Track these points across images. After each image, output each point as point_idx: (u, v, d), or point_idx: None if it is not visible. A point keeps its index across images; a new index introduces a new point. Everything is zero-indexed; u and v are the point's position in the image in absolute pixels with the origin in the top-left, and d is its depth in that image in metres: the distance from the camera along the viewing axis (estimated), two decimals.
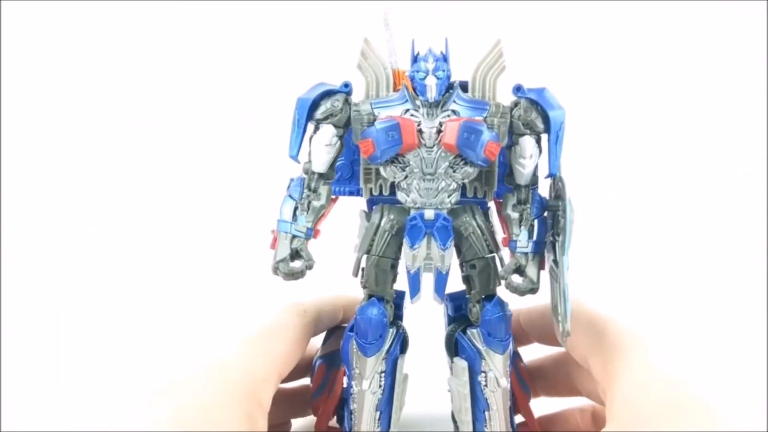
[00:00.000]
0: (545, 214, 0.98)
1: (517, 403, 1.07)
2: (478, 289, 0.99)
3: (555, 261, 0.94)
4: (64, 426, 1.16)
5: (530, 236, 0.96)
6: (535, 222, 0.97)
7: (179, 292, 1.69)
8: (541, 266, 0.96)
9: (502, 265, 1.00)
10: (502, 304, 0.98)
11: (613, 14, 2.04)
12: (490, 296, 0.99)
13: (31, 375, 1.34)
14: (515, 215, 0.97)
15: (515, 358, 1.07)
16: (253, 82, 2.00)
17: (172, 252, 1.86)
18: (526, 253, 0.96)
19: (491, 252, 0.99)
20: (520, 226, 0.97)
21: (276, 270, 0.95)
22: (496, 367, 0.99)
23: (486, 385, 1.00)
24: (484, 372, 0.99)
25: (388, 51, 0.99)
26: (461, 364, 1.01)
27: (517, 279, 0.95)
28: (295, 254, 0.96)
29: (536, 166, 0.98)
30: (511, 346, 1.00)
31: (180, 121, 2.05)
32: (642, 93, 2.08)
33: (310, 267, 0.95)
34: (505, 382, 1.00)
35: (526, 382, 1.08)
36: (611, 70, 2.05)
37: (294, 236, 0.96)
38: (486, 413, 1.01)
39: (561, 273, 0.91)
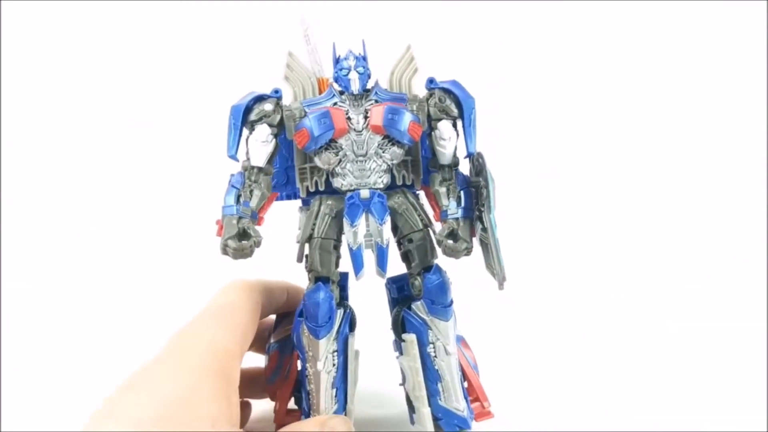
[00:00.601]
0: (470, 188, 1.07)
1: (469, 382, 1.13)
2: (417, 262, 1.05)
3: (483, 228, 1.02)
4: (63, 425, 1.18)
5: (459, 204, 1.05)
6: (461, 193, 1.06)
7: (145, 283, 1.75)
8: (471, 232, 1.03)
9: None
10: (441, 272, 1.05)
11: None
12: (429, 267, 1.06)
13: (29, 373, 1.37)
14: (443, 189, 1.06)
15: (459, 340, 1.14)
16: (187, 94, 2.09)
17: (135, 246, 1.92)
18: (456, 218, 1.04)
19: (425, 226, 1.06)
20: (448, 198, 1.05)
21: (225, 248, 0.99)
22: (442, 334, 1.05)
23: (436, 356, 1.06)
24: (432, 342, 1.06)
25: (311, 63, 1.08)
26: (410, 338, 1.07)
27: (451, 242, 1.02)
28: (243, 234, 1.00)
29: (455, 148, 1.07)
30: (454, 317, 1.06)
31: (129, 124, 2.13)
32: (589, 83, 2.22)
33: (258, 244, 1.00)
34: (454, 348, 1.06)
35: (474, 362, 1.15)
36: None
37: (240, 217, 1.01)
38: (439, 384, 1.07)
39: (490, 233, 0.99)
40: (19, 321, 1.56)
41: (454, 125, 1.07)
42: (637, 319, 1.62)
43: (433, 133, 1.07)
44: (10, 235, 1.94)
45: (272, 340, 1.14)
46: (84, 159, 2.12)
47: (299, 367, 1.09)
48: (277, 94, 1.07)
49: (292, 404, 1.15)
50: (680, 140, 2.20)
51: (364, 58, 1.06)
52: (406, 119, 1.03)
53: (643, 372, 1.41)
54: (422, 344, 1.07)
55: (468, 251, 1.02)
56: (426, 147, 1.10)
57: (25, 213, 2.01)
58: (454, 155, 1.08)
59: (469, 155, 1.06)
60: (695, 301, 1.69)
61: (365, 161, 1.04)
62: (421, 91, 1.08)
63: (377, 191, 1.04)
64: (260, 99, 1.07)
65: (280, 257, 1.14)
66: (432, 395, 1.08)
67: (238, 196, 1.04)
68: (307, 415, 1.08)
